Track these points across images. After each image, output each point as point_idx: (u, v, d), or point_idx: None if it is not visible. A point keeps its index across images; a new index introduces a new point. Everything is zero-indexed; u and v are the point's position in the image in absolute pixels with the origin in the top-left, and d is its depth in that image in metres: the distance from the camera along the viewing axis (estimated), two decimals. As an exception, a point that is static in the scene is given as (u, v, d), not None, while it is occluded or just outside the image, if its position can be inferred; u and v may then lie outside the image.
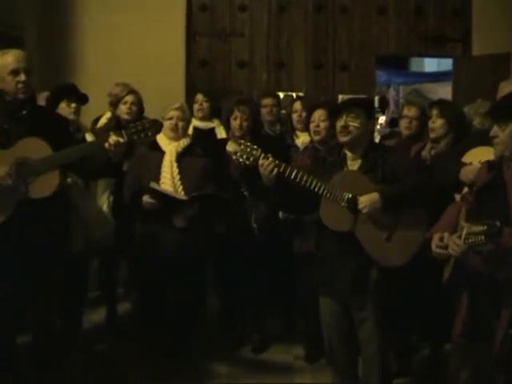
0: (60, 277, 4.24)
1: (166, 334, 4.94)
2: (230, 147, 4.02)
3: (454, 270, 3.38)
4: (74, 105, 4.92)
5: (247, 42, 7.77)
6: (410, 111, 5.14)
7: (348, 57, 7.75)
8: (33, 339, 4.16)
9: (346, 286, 3.92)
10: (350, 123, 3.92)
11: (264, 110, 5.91)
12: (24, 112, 3.89)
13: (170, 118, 4.83)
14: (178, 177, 4.74)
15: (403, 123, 5.17)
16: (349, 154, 4.03)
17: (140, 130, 3.95)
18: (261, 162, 3.90)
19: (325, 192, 3.85)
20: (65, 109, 4.89)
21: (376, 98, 8.18)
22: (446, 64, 8.10)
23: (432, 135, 4.81)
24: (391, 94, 10.76)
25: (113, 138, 3.88)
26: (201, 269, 4.92)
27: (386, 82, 10.66)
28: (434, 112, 4.81)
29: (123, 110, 5.46)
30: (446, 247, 3.37)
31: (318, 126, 4.88)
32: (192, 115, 5.38)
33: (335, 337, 4.09)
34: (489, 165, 3.48)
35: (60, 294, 4.40)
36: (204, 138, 5.54)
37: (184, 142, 4.85)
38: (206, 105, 5.76)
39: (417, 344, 4.94)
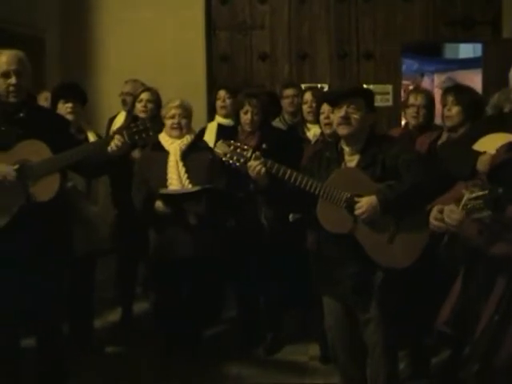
0: (64, 280, 4.21)
1: (181, 334, 4.87)
2: (219, 149, 3.81)
3: (448, 244, 3.14)
4: (70, 104, 4.80)
5: (268, 34, 7.65)
6: (417, 99, 4.85)
7: (372, 45, 7.55)
8: (37, 343, 4.10)
9: (347, 288, 3.74)
10: (351, 114, 3.69)
11: (286, 101, 5.78)
12: (21, 114, 3.81)
13: (172, 117, 4.73)
14: (186, 176, 4.66)
15: (410, 112, 4.88)
16: (346, 149, 3.81)
17: (141, 130, 3.85)
18: (249, 164, 3.71)
19: (321, 192, 3.65)
20: (61, 109, 4.80)
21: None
22: (481, 50, 7.80)
23: (448, 123, 4.54)
24: (426, 83, 10.45)
25: (115, 142, 3.81)
26: (215, 267, 4.81)
27: (418, 71, 10.37)
28: (450, 99, 4.52)
29: (139, 108, 5.38)
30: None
31: (328, 117, 4.65)
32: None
33: (338, 338, 3.94)
34: (509, 145, 3.28)
35: (66, 297, 4.38)
36: (228, 134, 5.41)
37: (187, 138, 4.75)
38: (228, 101, 5.61)
39: (436, 347, 4.70)
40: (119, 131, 3.92)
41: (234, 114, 5.12)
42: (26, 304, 3.91)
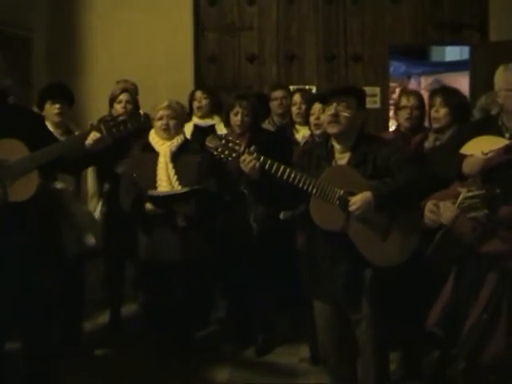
0: (52, 281, 4.14)
1: (170, 336, 4.85)
2: (211, 143, 3.79)
3: (440, 241, 3.15)
4: (57, 105, 4.77)
5: (256, 35, 7.62)
6: (410, 101, 4.80)
7: (361, 48, 7.54)
8: (22, 346, 4.04)
9: (338, 287, 3.73)
10: (341, 112, 3.68)
11: (274, 103, 5.79)
12: None
13: (160, 118, 4.72)
14: (175, 177, 4.65)
15: (403, 114, 4.82)
16: (337, 147, 3.80)
17: (119, 123, 3.80)
18: (243, 157, 3.70)
19: (314, 189, 3.63)
20: (49, 110, 4.77)
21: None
22: (468, 52, 7.83)
23: (435, 125, 4.54)
24: (412, 86, 10.49)
25: (91, 137, 3.76)
26: (204, 269, 4.80)
27: (405, 73, 10.41)
28: (438, 100, 4.52)
29: (118, 109, 5.36)
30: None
31: (318, 118, 4.66)
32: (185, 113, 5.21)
33: (328, 339, 3.93)
34: (507, 147, 3.32)
35: (56, 299, 4.35)
36: (204, 135, 5.39)
37: (178, 140, 4.74)
38: (205, 102, 5.66)
39: (426, 347, 4.71)
40: (97, 125, 3.84)
41: (225, 115, 5.08)
42: (13, 306, 3.83)
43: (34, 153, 3.66)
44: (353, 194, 3.64)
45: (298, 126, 5.21)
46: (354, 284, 3.71)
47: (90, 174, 4.89)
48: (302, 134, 5.12)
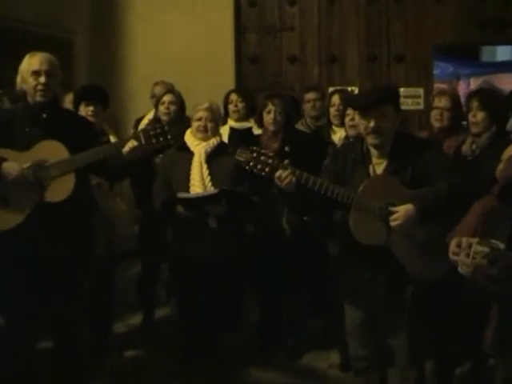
0: (84, 281, 4.20)
1: (202, 338, 4.82)
2: (241, 156, 3.57)
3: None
4: (91, 107, 4.77)
5: (297, 36, 7.61)
6: (441, 102, 4.70)
7: (403, 48, 7.46)
8: (53, 344, 4.07)
9: (375, 298, 3.59)
10: (382, 124, 3.49)
11: (307, 105, 5.70)
12: (44, 115, 3.81)
13: (199, 119, 4.68)
14: (208, 178, 4.60)
15: (433, 115, 4.74)
16: (373, 152, 3.61)
17: (158, 134, 3.80)
18: (277, 174, 3.49)
19: (353, 203, 3.45)
20: (83, 111, 4.78)
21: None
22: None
23: (474, 130, 4.40)
24: (461, 87, 10.27)
25: (129, 145, 3.83)
26: (234, 271, 4.75)
27: (452, 74, 10.18)
28: (475, 104, 4.34)
29: (161, 110, 5.38)
30: None
31: (353, 119, 4.56)
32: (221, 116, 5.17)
33: (359, 346, 3.81)
34: None
35: (85, 299, 4.35)
36: (241, 138, 5.38)
37: (213, 141, 4.69)
38: (240, 105, 5.60)
39: (459, 358, 4.58)
40: (136, 134, 3.89)
41: (258, 115, 5.02)
42: (45, 305, 3.89)
43: (73, 156, 3.71)
44: (393, 204, 3.48)
45: (334, 128, 5.13)
46: (394, 296, 3.57)
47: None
48: (338, 135, 5.04)
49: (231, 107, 5.63)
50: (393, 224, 3.44)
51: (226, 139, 5.31)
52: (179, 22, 7.41)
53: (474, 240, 2.87)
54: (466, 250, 2.88)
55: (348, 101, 4.76)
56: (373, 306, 3.64)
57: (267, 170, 3.51)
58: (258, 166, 3.52)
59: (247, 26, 7.64)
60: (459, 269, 2.99)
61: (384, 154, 3.59)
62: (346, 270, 3.75)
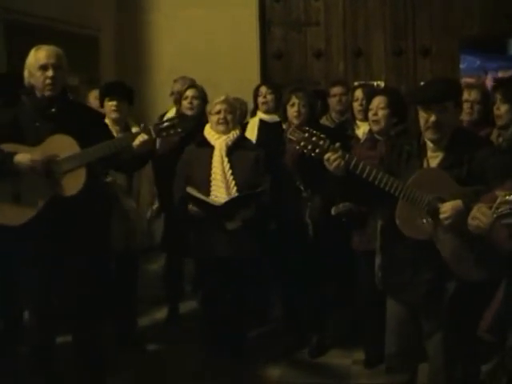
0: (101, 276, 4.20)
1: (226, 334, 4.82)
2: (293, 136, 3.53)
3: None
4: (114, 102, 4.79)
5: (323, 30, 7.56)
6: (471, 95, 4.63)
7: (429, 41, 7.38)
8: (73, 340, 4.07)
9: (419, 295, 3.50)
10: (443, 119, 3.38)
11: (333, 100, 5.71)
12: (53, 109, 3.81)
13: (218, 112, 4.68)
14: (230, 171, 4.60)
15: (464, 108, 4.59)
16: (429, 145, 3.50)
17: (168, 127, 3.84)
18: (327, 156, 3.43)
19: (402, 194, 3.36)
20: (107, 106, 4.81)
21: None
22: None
23: (499, 122, 4.34)
24: (490, 81, 10.12)
25: (139, 138, 3.82)
26: (257, 267, 4.75)
27: (480, 68, 10.04)
28: (498, 97, 4.31)
29: (185, 105, 5.39)
30: None
31: (376, 114, 4.52)
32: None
33: (397, 341, 3.72)
34: None
35: (108, 294, 4.38)
36: (270, 130, 5.40)
37: (233, 134, 4.69)
38: (270, 97, 5.59)
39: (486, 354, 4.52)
40: (146, 127, 3.90)
41: (282, 109, 5.00)
42: (63, 300, 3.94)
43: (83, 150, 3.72)
44: (443, 199, 3.36)
45: (358, 122, 5.09)
46: (436, 293, 3.48)
47: (146, 171, 4.88)
48: (362, 129, 4.99)
49: (260, 99, 5.63)
50: (441, 217, 3.32)
51: (255, 131, 5.36)
52: (204, 18, 7.40)
53: (500, 194, 2.82)
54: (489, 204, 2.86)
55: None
56: (415, 303, 3.57)
57: (317, 151, 3.45)
58: (309, 147, 3.46)
59: (272, 21, 7.61)
60: (471, 227, 2.99)
61: (440, 148, 3.48)
62: (390, 265, 3.69)
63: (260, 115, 5.65)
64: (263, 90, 5.68)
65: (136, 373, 4.62)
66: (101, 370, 4.13)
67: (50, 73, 3.76)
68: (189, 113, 5.33)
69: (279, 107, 5.55)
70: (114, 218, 4.52)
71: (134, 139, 3.85)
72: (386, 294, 3.79)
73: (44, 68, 3.77)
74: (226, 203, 4.44)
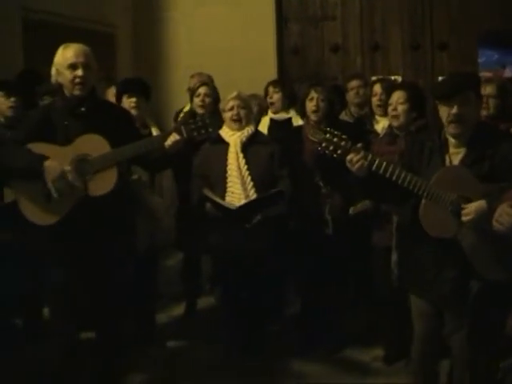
0: (127, 274, 4.19)
1: (244, 330, 4.83)
2: (315, 137, 3.50)
3: None
4: (133, 99, 4.78)
5: (339, 25, 7.56)
6: (486, 89, 4.57)
7: (447, 36, 7.34)
8: (96, 336, 4.06)
9: (443, 293, 3.46)
10: (464, 112, 3.33)
11: (351, 93, 5.70)
12: (83, 109, 3.77)
13: (231, 109, 4.68)
14: (246, 167, 4.60)
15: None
16: (451, 141, 3.46)
17: (200, 127, 3.81)
18: (349, 157, 3.38)
19: (425, 193, 3.33)
20: (125, 103, 4.80)
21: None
22: None
23: None
24: (508, 75, 10.04)
25: (171, 139, 3.78)
26: (275, 264, 4.73)
27: (498, 62, 9.96)
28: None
29: (197, 102, 5.38)
30: None
31: (395, 109, 4.48)
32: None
33: (424, 340, 3.69)
34: None
35: (129, 291, 4.37)
36: (280, 129, 5.40)
37: (248, 130, 4.69)
38: (276, 96, 5.62)
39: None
40: (178, 127, 3.87)
41: (300, 104, 4.96)
42: (88, 297, 3.94)
43: (114, 149, 3.69)
44: (466, 199, 3.33)
45: (377, 117, 5.06)
46: (460, 292, 3.44)
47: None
48: (381, 124, 4.97)
49: (268, 99, 5.66)
50: (464, 218, 3.29)
51: (265, 130, 5.38)
52: (220, 15, 7.42)
53: None
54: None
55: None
56: (440, 301, 3.54)
57: (339, 152, 3.41)
58: (331, 148, 3.42)
59: (288, 17, 7.61)
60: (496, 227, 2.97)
61: (462, 144, 3.43)
62: (411, 264, 3.65)
63: (270, 114, 5.68)
64: (270, 89, 5.72)
65: (156, 368, 4.63)
66: (120, 367, 4.13)
67: (79, 72, 3.70)
68: (200, 110, 5.31)
69: (292, 102, 5.56)
70: (139, 216, 4.51)
71: (165, 139, 3.81)
72: (402, 290, 3.77)
73: (73, 67, 3.71)
74: (241, 207, 4.44)
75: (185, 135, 3.81)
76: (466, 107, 3.34)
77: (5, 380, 4.32)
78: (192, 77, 5.97)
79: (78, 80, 3.71)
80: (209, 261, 5.33)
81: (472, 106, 3.38)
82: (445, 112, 3.39)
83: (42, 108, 3.90)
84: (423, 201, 3.35)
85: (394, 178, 3.32)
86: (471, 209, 3.26)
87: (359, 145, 3.43)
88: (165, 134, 3.92)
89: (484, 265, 3.35)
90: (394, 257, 4.29)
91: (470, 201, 3.30)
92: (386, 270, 4.34)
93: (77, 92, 3.74)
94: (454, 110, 3.33)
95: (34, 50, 5.85)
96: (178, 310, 5.65)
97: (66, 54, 3.75)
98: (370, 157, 3.37)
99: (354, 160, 3.36)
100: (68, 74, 3.72)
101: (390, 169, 3.33)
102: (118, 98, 4.90)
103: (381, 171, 3.34)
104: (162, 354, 4.85)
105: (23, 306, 4.94)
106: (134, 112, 4.74)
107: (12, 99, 4.73)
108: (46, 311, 4.32)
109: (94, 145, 3.69)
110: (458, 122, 3.34)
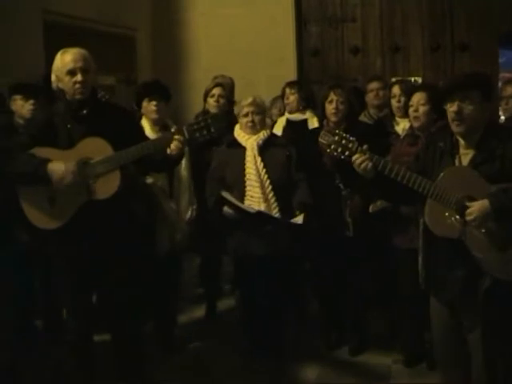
0: (145, 279, 4.22)
1: (265, 332, 4.81)
2: (324, 139, 3.55)
3: None
4: (154, 102, 4.76)
5: (359, 26, 7.53)
6: (507, 91, 4.57)
7: (468, 36, 7.28)
8: (113, 339, 4.09)
9: (455, 292, 3.46)
10: (465, 109, 3.35)
11: (370, 95, 5.68)
12: (84, 112, 3.79)
13: (246, 115, 4.69)
14: (264, 170, 4.60)
15: (502, 104, 4.63)
16: (461, 142, 3.47)
17: (202, 127, 3.80)
18: (354, 157, 3.45)
19: (430, 193, 3.35)
20: (147, 107, 4.79)
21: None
22: None
23: None
24: (529, 76, 9.97)
25: (175, 143, 3.78)
26: (295, 266, 4.73)
27: (518, 63, 9.91)
28: None
29: (211, 103, 5.39)
30: None
31: (416, 110, 4.47)
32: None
33: (443, 342, 3.67)
34: None
35: (149, 294, 4.39)
36: (296, 129, 5.39)
37: (264, 133, 4.71)
38: (292, 97, 5.58)
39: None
40: (180, 129, 3.86)
41: (321, 106, 4.95)
42: (103, 300, 4.00)
43: (116, 153, 3.69)
44: (471, 198, 3.33)
45: (398, 119, 5.03)
46: (471, 290, 3.42)
47: (184, 171, 4.88)
48: (402, 126, 4.94)
49: (284, 100, 5.65)
50: (467, 218, 3.29)
51: (280, 130, 5.41)
52: (240, 16, 7.44)
53: None
54: None
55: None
56: (452, 300, 3.52)
57: (346, 153, 3.47)
58: (339, 150, 3.48)
59: (308, 18, 7.60)
60: None
61: (472, 145, 3.43)
62: (429, 264, 3.63)
63: (287, 115, 5.67)
64: (287, 90, 5.68)
65: (176, 370, 4.63)
66: (141, 368, 4.14)
67: (78, 77, 3.73)
68: (214, 111, 5.32)
69: (306, 106, 5.54)
70: (159, 221, 4.52)
71: (167, 140, 3.81)
72: (427, 293, 3.76)
73: (72, 73, 3.74)
74: (260, 213, 4.43)
75: (187, 136, 3.81)
76: (468, 105, 3.34)
77: (26, 381, 4.34)
78: (214, 78, 5.97)
79: (77, 85, 3.75)
80: (228, 263, 5.36)
81: (476, 105, 3.36)
82: (449, 111, 3.41)
83: (46, 113, 3.90)
84: (428, 200, 3.37)
85: (399, 178, 3.37)
86: (474, 209, 3.27)
87: (365, 146, 3.46)
88: (166, 135, 3.91)
89: (490, 263, 3.34)
90: (421, 259, 4.27)
91: (474, 200, 3.30)
92: (407, 271, 4.32)
93: (78, 96, 3.78)
94: (454, 107, 3.35)
95: (55, 52, 5.87)
96: (199, 312, 5.66)
97: (64, 60, 3.79)
98: (375, 158, 3.41)
99: (358, 161, 3.41)
100: (68, 80, 3.76)
101: (395, 170, 3.37)
102: (139, 101, 4.89)
103: (386, 172, 3.38)
104: (182, 357, 4.85)
105: (43, 306, 4.97)
106: (154, 115, 4.74)
107: (31, 101, 4.75)
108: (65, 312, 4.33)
109: (96, 148, 3.71)
110: (458, 119, 3.35)
